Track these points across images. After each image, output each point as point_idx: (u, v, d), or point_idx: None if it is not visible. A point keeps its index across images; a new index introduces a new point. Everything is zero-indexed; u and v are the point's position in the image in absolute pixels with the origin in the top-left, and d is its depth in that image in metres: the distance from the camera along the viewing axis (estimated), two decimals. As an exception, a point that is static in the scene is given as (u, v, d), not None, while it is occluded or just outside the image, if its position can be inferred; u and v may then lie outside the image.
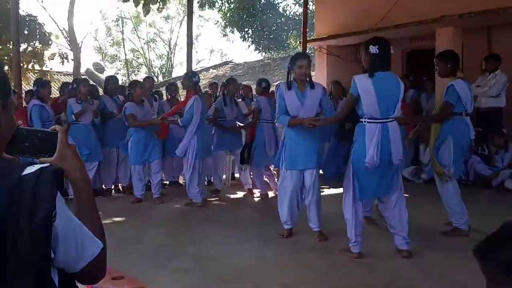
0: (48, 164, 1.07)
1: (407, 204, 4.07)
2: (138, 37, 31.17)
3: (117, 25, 30.66)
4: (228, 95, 7.07)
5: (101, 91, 8.39)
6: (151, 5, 10.28)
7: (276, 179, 6.71)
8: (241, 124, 7.36)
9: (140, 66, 32.13)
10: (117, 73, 31.29)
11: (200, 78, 20.88)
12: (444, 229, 4.73)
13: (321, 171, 4.85)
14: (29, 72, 13.33)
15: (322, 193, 4.84)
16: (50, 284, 1.03)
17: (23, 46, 12.13)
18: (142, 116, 6.44)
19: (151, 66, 31.81)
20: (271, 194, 6.80)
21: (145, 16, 12.44)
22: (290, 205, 4.55)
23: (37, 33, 11.95)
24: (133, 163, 6.55)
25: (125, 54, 30.87)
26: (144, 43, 31.27)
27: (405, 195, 4.17)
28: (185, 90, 6.56)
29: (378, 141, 3.73)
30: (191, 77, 6.34)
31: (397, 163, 3.89)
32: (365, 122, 3.82)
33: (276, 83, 9.24)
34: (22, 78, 10.85)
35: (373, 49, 3.79)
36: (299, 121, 4.37)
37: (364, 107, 3.77)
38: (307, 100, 4.45)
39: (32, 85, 8.28)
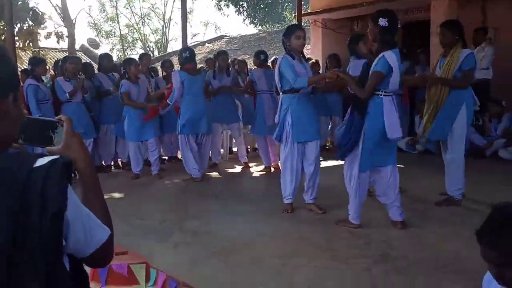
0: (58, 156, 1.08)
1: (402, 175, 4.15)
2: (132, 12, 30.84)
3: (111, 0, 30.29)
4: (218, 68, 7.11)
5: (96, 69, 8.36)
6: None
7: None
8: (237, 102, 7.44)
9: (135, 41, 31.83)
10: (113, 49, 31.10)
11: (196, 52, 20.74)
12: (438, 199, 4.82)
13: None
14: (24, 51, 13.22)
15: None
16: (62, 270, 1.07)
17: (17, 26, 12.04)
18: (137, 94, 6.47)
19: (146, 41, 31.53)
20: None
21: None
22: (293, 178, 4.61)
23: (30, 13, 11.81)
24: (129, 141, 6.63)
25: (120, 30, 30.58)
26: (139, 18, 30.94)
27: (400, 166, 4.26)
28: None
29: (396, 113, 3.89)
30: (181, 52, 6.49)
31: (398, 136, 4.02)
32: (381, 95, 3.87)
33: (273, 57, 9.25)
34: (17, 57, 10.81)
35: (383, 21, 3.79)
36: (319, 78, 4.49)
37: (391, 82, 3.83)
38: (309, 71, 4.62)
39: (26, 64, 8.24)
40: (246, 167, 7.14)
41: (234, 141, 7.98)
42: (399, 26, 3.95)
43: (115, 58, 24.53)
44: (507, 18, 8.35)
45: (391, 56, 3.79)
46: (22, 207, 0.97)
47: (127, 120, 6.55)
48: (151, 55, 28.10)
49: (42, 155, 1.07)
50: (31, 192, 0.98)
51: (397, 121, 3.90)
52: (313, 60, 8.65)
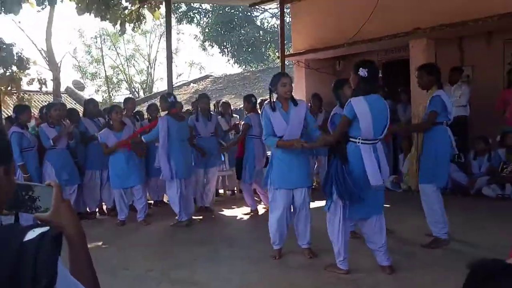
0: (47, 228, 1.06)
1: (389, 215, 4.16)
2: (118, 54, 31.11)
3: (96, 42, 30.57)
4: (201, 111, 7.15)
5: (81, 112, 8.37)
6: (126, 25, 10.29)
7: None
8: (224, 144, 7.44)
9: (120, 82, 31.99)
10: (98, 90, 31.18)
11: (181, 92, 20.64)
12: (425, 240, 4.82)
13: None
14: (7, 96, 13.20)
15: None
16: None
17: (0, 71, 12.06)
18: (117, 142, 6.45)
19: (132, 82, 31.71)
20: (261, 210, 6.94)
21: (121, 36, 12.42)
22: (280, 225, 4.58)
23: (15, 59, 11.86)
24: (113, 188, 6.58)
25: (105, 71, 30.75)
26: (124, 60, 31.20)
27: (386, 205, 4.27)
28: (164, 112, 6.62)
29: (374, 161, 3.88)
30: (166, 98, 6.50)
31: (385, 180, 4.04)
32: (358, 143, 3.90)
33: (259, 99, 9.37)
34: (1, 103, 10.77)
35: (362, 72, 3.89)
36: (287, 144, 4.42)
37: (362, 128, 3.85)
38: (292, 119, 4.49)
39: (11, 110, 8.21)
40: (207, 211, 7.07)
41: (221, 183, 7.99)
42: (379, 75, 4.06)
43: (100, 100, 24.63)
44: (483, 56, 8.62)
45: (358, 102, 3.86)
46: (13, 281, 0.96)
47: (110, 167, 6.53)
48: (137, 95, 28.30)
49: (31, 227, 1.06)
50: (21, 268, 0.97)
51: (376, 169, 3.87)
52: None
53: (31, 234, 1.03)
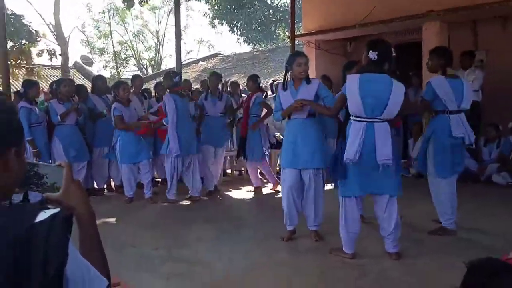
0: (58, 209, 1.07)
1: (398, 200, 4.08)
2: (126, 29, 30.93)
3: (104, 17, 30.37)
4: (210, 89, 7.11)
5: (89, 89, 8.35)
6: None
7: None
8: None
9: (128, 58, 31.88)
10: (106, 66, 31.13)
11: (189, 70, 20.62)
12: (433, 227, 4.80)
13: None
14: (17, 69, 13.19)
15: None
16: None
17: (10, 44, 12.02)
18: (128, 116, 6.47)
19: (140, 59, 31.60)
20: (266, 190, 6.98)
21: (128, 10, 12.29)
22: (288, 204, 4.57)
23: (24, 31, 11.82)
24: (122, 163, 6.59)
25: (113, 47, 30.62)
26: (132, 36, 31.03)
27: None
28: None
29: (360, 139, 3.78)
30: (171, 77, 6.47)
31: (383, 163, 3.81)
32: (351, 119, 3.90)
33: (270, 80, 9.33)
34: (10, 75, 10.75)
35: (372, 55, 3.84)
36: (289, 109, 4.50)
37: (349, 105, 3.86)
38: (299, 95, 4.50)
39: (20, 82, 8.20)
40: (214, 192, 7.05)
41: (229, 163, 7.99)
42: (393, 54, 3.98)
43: (108, 76, 24.58)
44: (498, 41, 8.46)
45: (349, 79, 3.88)
46: (23, 263, 0.96)
47: (120, 142, 6.53)
48: (145, 72, 28.22)
49: (42, 208, 1.07)
50: (32, 248, 0.98)
51: (355, 145, 3.76)
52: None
53: (42, 216, 1.03)
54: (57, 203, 1.22)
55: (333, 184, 4.25)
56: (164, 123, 6.44)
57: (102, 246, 1.26)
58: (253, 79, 7.05)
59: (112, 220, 5.71)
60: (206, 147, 6.90)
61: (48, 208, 1.07)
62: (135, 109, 6.72)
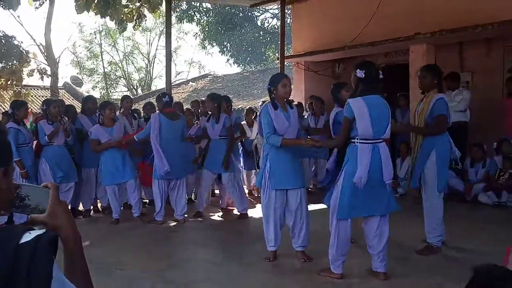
0: (44, 230, 1.07)
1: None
2: (117, 50, 31.04)
3: (95, 38, 30.47)
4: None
5: (78, 109, 8.33)
6: (127, 23, 10.25)
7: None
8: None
9: (118, 79, 31.93)
10: (95, 87, 31.11)
11: (179, 91, 20.68)
12: (420, 246, 4.81)
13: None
14: (6, 90, 13.15)
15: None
16: None
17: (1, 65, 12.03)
18: (109, 139, 6.43)
19: (130, 79, 31.65)
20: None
21: (120, 34, 12.34)
22: (275, 226, 4.57)
23: (15, 52, 11.82)
24: (106, 184, 6.56)
25: (103, 67, 30.69)
26: (123, 56, 31.14)
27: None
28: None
29: (368, 162, 3.84)
30: (161, 97, 6.56)
31: (388, 183, 3.97)
32: (357, 142, 3.91)
33: (259, 101, 9.37)
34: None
35: (360, 73, 3.93)
36: (293, 142, 4.49)
37: (359, 128, 3.86)
38: (292, 120, 4.56)
39: (8, 104, 8.17)
40: (228, 211, 7.05)
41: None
42: (380, 76, 4.04)
43: (98, 96, 24.55)
44: (483, 62, 8.61)
45: (355, 102, 3.89)
46: (8, 284, 0.96)
47: (102, 163, 6.51)
48: (135, 93, 28.24)
49: (27, 229, 1.06)
50: (17, 269, 0.97)
51: (365, 169, 3.82)
52: (295, 103, 8.76)
53: (27, 237, 1.03)
54: (43, 224, 1.21)
55: (326, 205, 4.24)
56: (136, 138, 6.47)
57: (88, 269, 1.25)
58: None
59: (99, 242, 5.64)
60: (206, 172, 6.81)
61: (33, 229, 1.06)
62: (124, 128, 6.69)
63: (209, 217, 6.90)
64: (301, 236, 4.61)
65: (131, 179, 6.56)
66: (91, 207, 7.35)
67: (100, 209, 7.45)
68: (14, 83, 13.17)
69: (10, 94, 13.50)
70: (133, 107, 8.42)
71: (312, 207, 6.53)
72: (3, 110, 9.41)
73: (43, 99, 8.01)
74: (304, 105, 9.28)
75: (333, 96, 5.28)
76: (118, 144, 6.44)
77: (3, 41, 11.29)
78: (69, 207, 6.76)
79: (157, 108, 6.83)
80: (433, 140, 4.70)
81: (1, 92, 13.47)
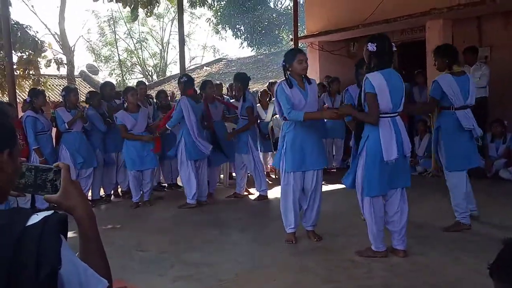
0: (52, 212, 1.06)
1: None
2: (131, 37, 31.07)
3: (109, 25, 30.53)
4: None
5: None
6: (138, 12, 10.24)
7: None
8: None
9: (134, 66, 32.02)
10: (111, 74, 31.25)
11: (194, 76, 20.82)
12: (440, 222, 4.79)
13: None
14: (24, 80, 13.29)
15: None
16: None
17: (17, 55, 12.14)
18: (134, 124, 6.50)
19: (145, 66, 31.72)
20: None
21: (133, 21, 12.33)
22: (295, 208, 4.54)
23: (30, 41, 11.91)
24: (129, 170, 6.63)
25: (119, 54, 30.78)
26: (137, 43, 31.16)
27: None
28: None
29: (393, 135, 3.82)
30: (179, 79, 6.66)
31: (408, 155, 3.99)
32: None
33: (273, 80, 9.28)
34: (17, 87, 10.83)
35: (371, 46, 3.87)
36: (317, 115, 4.47)
37: (380, 103, 3.82)
38: (310, 96, 4.46)
39: (27, 93, 8.25)
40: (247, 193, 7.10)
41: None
42: (394, 48, 3.99)
43: (114, 83, 24.64)
44: (502, 37, 8.42)
45: (374, 76, 3.83)
46: (15, 266, 0.96)
47: (124, 149, 6.58)
48: (150, 79, 28.32)
49: (35, 211, 1.06)
50: (24, 252, 0.97)
51: (393, 143, 3.80)
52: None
53: (34, 218, 1.02)
54: (57, 204, 1.21)
55: (345, 185, 4.21)
56: (168, 126, 6.47)
57: (103, 247, 1.24)
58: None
59: (119, 225, 5.71)
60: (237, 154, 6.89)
61: (41, 211, 1.06)
62: (144, 116, 6.73)
63: (227, 200, 6.93)
64: (312, 216, 4.61)
65: (150, 169, 6.63)
66: (112, 192, 7.44)
67: (120, 193, 7.54)
68: (31, 72, 13.31)
69: (29, 83, 13.63)
70: (148, 93, 8.45)
71: (327, 187, 6.55)
72: (22, 99, 9.50)
73: (63, 87, 8.10)
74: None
75: (356, 74, 5.19)
76: (151, 138, 6.52)
77: (18, 31, 11.37)
78: (90, 195, 6.93)
79: (180, 91, 6.81)
80: (438, 121, 4.73)
81: (21, 82, 13.60)
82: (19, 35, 11.38)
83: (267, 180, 7.33)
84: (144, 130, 6.61)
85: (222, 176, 7.98)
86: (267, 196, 6.74)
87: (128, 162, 6.57)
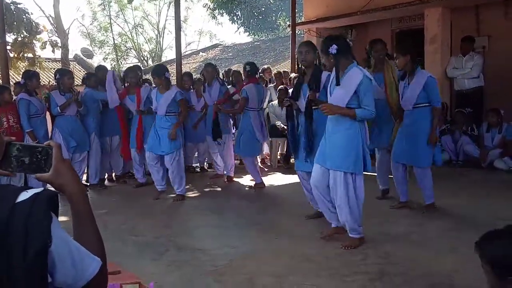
0: (41, 189, 1.05)
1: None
2: (126, 21, 30.80)
3: (103, 9, 30.22)
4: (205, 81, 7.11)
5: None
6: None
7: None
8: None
9: (129, 50, 31.78)
10: (106, 58, 31.02)
11: (190, 61, 20.57)
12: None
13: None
14: (20, 61, 13.18)
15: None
16: None
17: (12, 37, 12.00)
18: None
19: (140, 50, 31.49)
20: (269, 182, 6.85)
21: (129, 3, 12.17)
22: (321, 202, 4.24)
23: (24, 22, 11.77)
24: (148, 150, 6.22)
25: (113, 39, 30.51)
26: (132, 27, 30.90)
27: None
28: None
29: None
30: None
31: None
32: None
33: (275, 70, 9.20)
34: (12, 69, 10.71)
35: (332, 49, 3.79)
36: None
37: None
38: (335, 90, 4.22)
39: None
40: (217, 177, 7.22)
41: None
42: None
43: (109, 68, 24.43)
44: (500, 26, 8.37)
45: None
46: (5, 243, 0.95)
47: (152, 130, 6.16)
48: (146, 64, 28.12)
49: (26, 188, 1.05)
50: (13, 229, 0.96)
51: None
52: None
53: (24, 195, 1.01)
54: (48, 182, 1.19)
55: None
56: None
57: (96, 225, 1.22)
58: (243, 67, 6.71)
59: (113, 209, 5.69)
60: (208, 138, 7.07)
61: (31, 188, 1.05)
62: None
63: (223, 186, 6.92)
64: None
65: (169, 153, 6.01)
66: (106, 176, 7.40)
67: (114, 178, 7.50)
68: (26, 55, 13.20)
69: (25, 64, 13.50)
70: (143, 77, 8.36)
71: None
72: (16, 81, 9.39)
73: (56, 69, 7.97)
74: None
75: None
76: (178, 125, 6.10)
77: (13, 10, 11.22)
78: (84, 178, 6.88)
79: (154, 82, 6.62)
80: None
81: (15, 64, 13.48)
82: (13, 13, 11.23)
83: (261, 166, 7.31)
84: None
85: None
86: (263, 183, 6.54)
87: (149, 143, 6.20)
